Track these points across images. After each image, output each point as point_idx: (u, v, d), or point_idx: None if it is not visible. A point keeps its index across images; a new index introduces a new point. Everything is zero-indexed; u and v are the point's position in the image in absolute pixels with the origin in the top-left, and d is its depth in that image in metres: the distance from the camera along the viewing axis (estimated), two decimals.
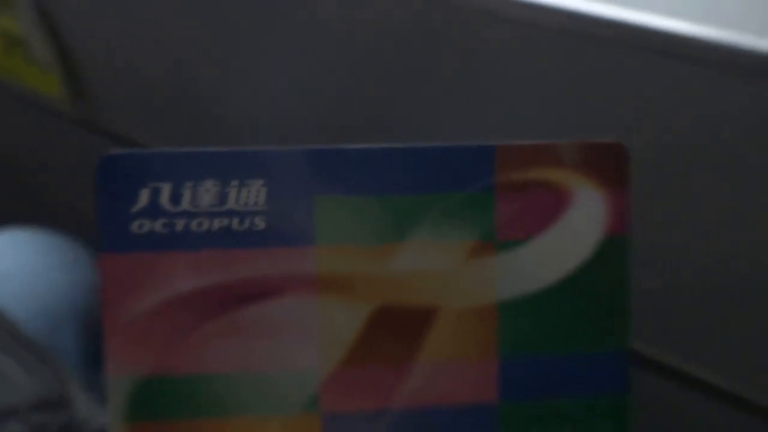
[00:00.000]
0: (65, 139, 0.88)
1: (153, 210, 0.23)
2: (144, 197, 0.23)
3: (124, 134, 0.79)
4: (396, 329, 0.24)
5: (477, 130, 0.54)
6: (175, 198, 0.23)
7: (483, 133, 0.53)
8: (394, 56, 0.55)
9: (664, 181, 0.46)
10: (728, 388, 0.50)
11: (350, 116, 0.60)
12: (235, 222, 0.24)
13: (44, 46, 0.78)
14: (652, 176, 0.47)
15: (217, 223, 0.24)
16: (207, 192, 0.23)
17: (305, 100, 0.61)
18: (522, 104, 0.50)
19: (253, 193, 0.24)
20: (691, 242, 0.47)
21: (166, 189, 0.23)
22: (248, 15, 0.61)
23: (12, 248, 0.65)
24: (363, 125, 0.60)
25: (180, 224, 0.23)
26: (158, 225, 0.23)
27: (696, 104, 0.43)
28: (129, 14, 0.69)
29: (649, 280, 0.49)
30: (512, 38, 0.48)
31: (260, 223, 0.24)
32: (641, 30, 0.43)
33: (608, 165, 0.25)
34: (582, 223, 0.25)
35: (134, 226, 0.23)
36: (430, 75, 0.54)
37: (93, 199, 0.90)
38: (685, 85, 0.43)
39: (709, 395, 0.52)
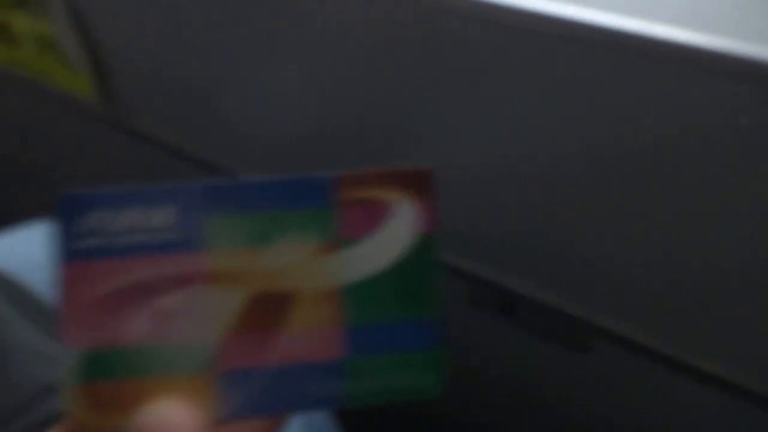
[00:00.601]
0: (95, 137, 0.90)
1: (96, 230, 0.33)
2: (89, 221, 0.33)
3: (152, 134, 0.81)
4: (268, 307, 0.33)
5: (469, 134, 0.56)
6: (112, 221, 0.33)
7: (475, 135, 0.55)
8: (391, 63, 0.57)
9: (662, 179, 0.49)
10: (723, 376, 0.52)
11: (352, 116, 0.62)
12: (154, 236, 0.33)
13: (77, 48, 0.80)
14: (646, 173, 0.49)
15: (141, 238, 0.33)
16: (134, 217, 0.33)
17: (314, 103, 0.64)
18: (517, 106, 0.52)
19: (166, 216, 0.33)
20: (690, 238, 0.49)
21: (105, 215, 0.33)
22: (267, 27, 0.63)
23: (44, 239, 0.67)
24: (365, 124, 0.62)
25: (115, 239, 0.33)
26: (99, 240, 0.33)
27: (688, 106, 0.46)
28: (159, 20, 0.71)
29: (652, 274, 0.51)
30: (507, 43, 0.50)
31: (171, 236, 0.33)
32: (635, 36, 0.45)
33: (420, 184, 0.34)
34: (401, 226, 0.34)
35: (82, 242, 0.33)
36: (429, 81, 0.56)
37: None
38: (680, 88, 0.45)
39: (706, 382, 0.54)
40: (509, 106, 0.52)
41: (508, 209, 0.56)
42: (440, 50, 0.53)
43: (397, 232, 0.34)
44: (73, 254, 0.33)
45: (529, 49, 0.49)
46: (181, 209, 0.33)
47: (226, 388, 0.33)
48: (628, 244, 0.52)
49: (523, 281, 0.59)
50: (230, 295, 0.33)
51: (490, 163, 0.56)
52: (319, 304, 0.33)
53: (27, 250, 0.65)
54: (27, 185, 1.09)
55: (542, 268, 0.57)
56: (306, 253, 0.33)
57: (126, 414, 0.32)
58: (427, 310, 0.34)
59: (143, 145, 0.83)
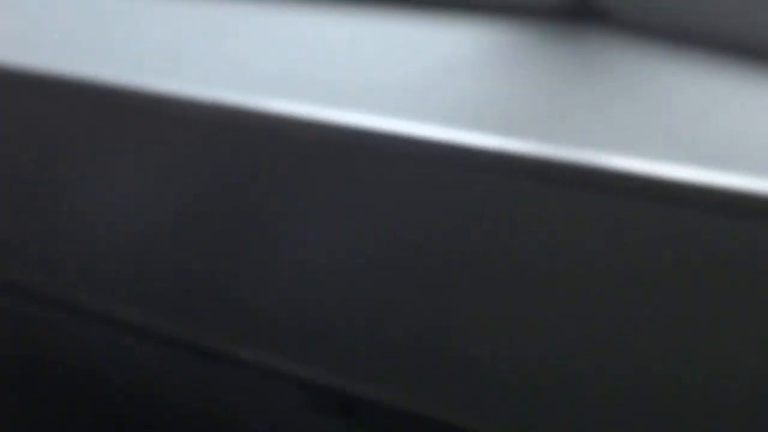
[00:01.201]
0: None
1: None
2: None
3: None
4: None
5: (293, 243, 0.56)
6: None
7: (297, 243, 0.55)
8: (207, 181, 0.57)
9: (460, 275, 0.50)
10: None
11: (176, 239, 0.61)
12: None
13: None
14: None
15: None
16: None
17: (137, 225, 0.62)
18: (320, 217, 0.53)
19: None
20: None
21: None
22: (93, 151, 0.62)
23: None
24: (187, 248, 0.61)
25: None
26: None
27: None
28: None
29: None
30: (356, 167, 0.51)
31: None
32: (493, 154, 0.46)
33: None
34: None
35: None
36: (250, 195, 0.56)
37: None
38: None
39: None
40: (316, 217, 0.53)
41: (333, 312, 0.56)
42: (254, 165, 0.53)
43: None
44: None
45: (345, 162, 0.50)
46: None
47: None
48: (454, 336, 0.52)
49: (361, 382, 0.58)
50: None
51: (304, 275, 0.56)
52: None
53: None
54: None
55: (380, 367, 0.57)
56: None
57: None
58: None
59: None
